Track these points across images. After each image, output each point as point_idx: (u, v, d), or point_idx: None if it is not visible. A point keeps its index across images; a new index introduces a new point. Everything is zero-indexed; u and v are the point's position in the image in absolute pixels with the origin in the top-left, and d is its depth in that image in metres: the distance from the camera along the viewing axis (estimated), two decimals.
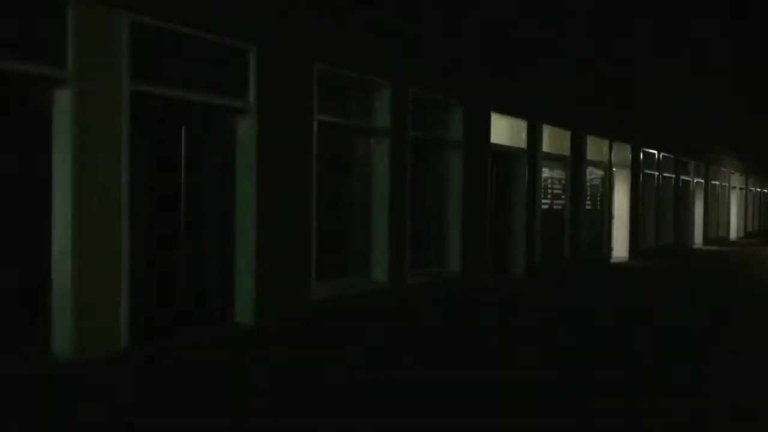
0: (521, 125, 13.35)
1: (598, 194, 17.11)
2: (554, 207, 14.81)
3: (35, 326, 6.09)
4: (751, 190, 35.31)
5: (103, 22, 6.31)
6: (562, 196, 15.15)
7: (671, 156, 21.90)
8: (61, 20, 6.06)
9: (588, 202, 16.38)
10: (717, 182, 28.04)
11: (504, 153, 13.01)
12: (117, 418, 4.92)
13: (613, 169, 17.93)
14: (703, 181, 25.58)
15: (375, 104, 9.79)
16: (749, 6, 24.20)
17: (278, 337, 7.58)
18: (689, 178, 24.07)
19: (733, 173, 30.41)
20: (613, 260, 17.79)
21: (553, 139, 14.52)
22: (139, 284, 6.75)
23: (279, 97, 8.05)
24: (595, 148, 16.63)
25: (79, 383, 5.72)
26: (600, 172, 17.15)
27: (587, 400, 5.58)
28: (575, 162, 15.46)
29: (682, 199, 23.27)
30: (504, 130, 12.82)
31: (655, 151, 20.62)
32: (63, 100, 6.11)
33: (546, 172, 14.36)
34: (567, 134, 15.12)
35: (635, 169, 19.02)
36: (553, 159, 14.57)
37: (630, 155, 18.70)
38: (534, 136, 13.65)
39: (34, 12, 5.99)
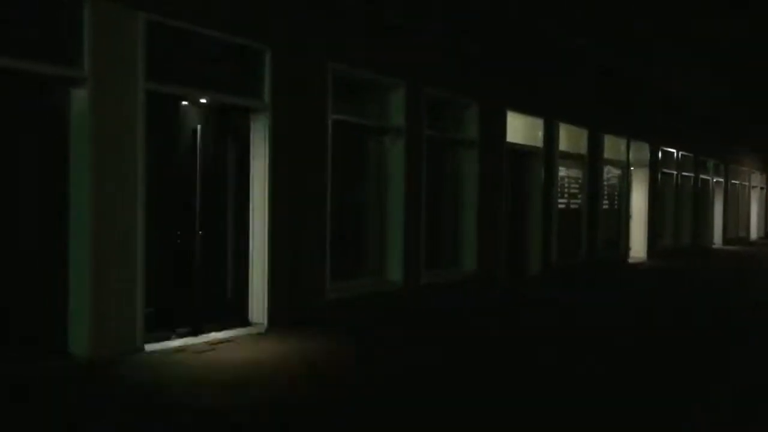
0: (537, 124, 13.28)
1: (616, 193, 16.98)
2: (571, 206, 14.72)
3: (52, 326, 6.14)
4: None
5: (119, 22, 6.35)
6: (579, 196, 15.04)
7: (690, 155, 21.68)
8: (77, 20, 6.10)
9: (605, 202, 16.26)
10: (737, 181, 27.72)
11: (520, 152, 12.93)
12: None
13: (631, 168, 17.79)
14: (722, 180, 25.31)
15: (390, 103, 9.77)
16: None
17: (292, 337, 7.59)
18: (708, 177, 23.82)
19: (753, 172, 30.05)
20: (630, 260, 17.65)
21: (569, 138, 14.42)
22: (154, 284, 6.79)
23: (294, 96, 8.06)
24: (613, 146, 16.50)
25: (96, 383, 5.76)
26: (617, 171, 17.02)
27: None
28: (592, 161, 15.35)
29: (701, 198, 23.04)
30: (520, 129, 12.75)
31: (674, 150, 20.43)
32: (79, 100, 6.16)
33: (562, 171, 14.27)
34: (584, 133, 15.01)
35: (653, 168, 18.86)
36: (569, 158, 14.48)
37: (648, 154, 18.54)
38: (550, 134, 13.56)
39: (50, 12, 6.04)
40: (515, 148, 12.62)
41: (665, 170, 19.87)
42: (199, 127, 7.42)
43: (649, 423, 5.11)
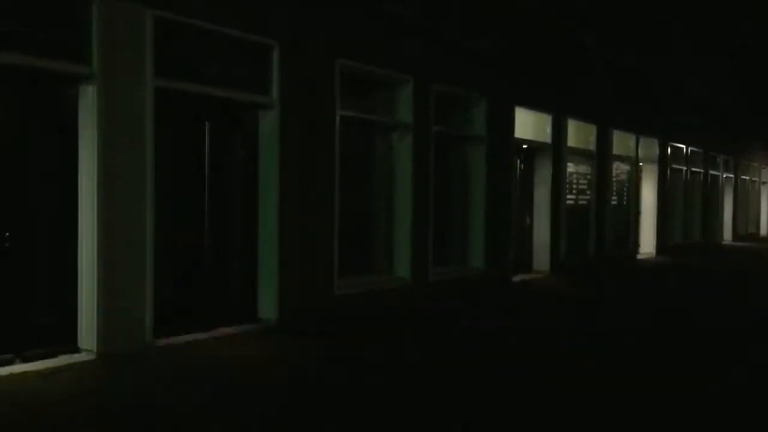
0: (546, 119, 13.23)
1: (625, 189, 16.91)
2: (579, 202, 14.67)
3: (62, 321, 6.17)
4: None
5: (128, 19, 6.36)
6: (588, 192, 14.99)
7: (700, 151, 21.57)
8: (85, 17, 6.11)
9: (614, 198, 16.20)
10: (747, 177, 27.58)
11: (528, 148, 12.90)
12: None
13: (640, 164, 17.71)
14: (732, 175, 25.17)
15: (397, 99, 9.75)
16: None
17: (301, 333, 7.60)
18: (718, 173, 23.70)
19: (763, 168, 29.87)
20: (640, 256, 17.57)
21: (578, 134, 14.37)
22: (163, 280, 6.80)
23: (302, 92, 8.06)
24: (622, 142, 16.43)
25: (110, 378, 5.79)
26: (626, 167, 16.95)
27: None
28: (601, 157, 15.29)
29: (711, 194, 22.92)
30: (528, 125, 12.71)
31: (684, 146, 20.32)
32: (88, 97, 6.17)
33: (571, 167, 14.22)
34: (593, 128, 14.95)
35: (663, 163, 18.77)
36: (578, 154, 14.43)
37: (657, 150, 18.45)
38: (559, 130, 13.52)
39: (59, 9, 6.05)
40: (524, 144, 12.58)
41: (675, 166, 19.77)
42: (207, 123, 7.43)
43: None
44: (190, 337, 6.99)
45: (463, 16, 10.69)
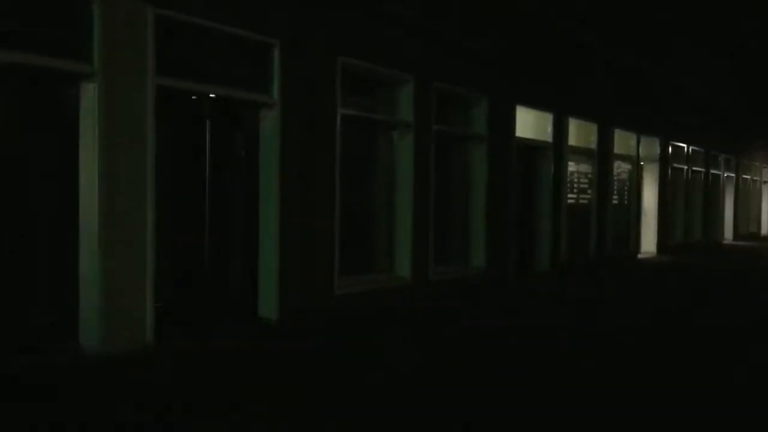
0: (547, 118, 13.22)
1: (626, 189, 16.89)
2: (580, 201, 14.66)
3: (63, 319, 6.17)
4: None
5: (128, 17, 6.35)
6: (589, 191, 14.98)
7: (701, 150, 21.55)
8: (86, 15, 6.11)
9: (615, 197, 16.19)
10: (748, 176, 27.56)
11: (529, 147, 12.88)
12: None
13: (641, 163, 17.69)
14: (733, 175, 25.15)
15: (398, 98, 9.75)
16: None
17: (302, 332, 7.60)
18: (719, 172, 23.68)
19: (764, 167, 29.85)
20: (641, 255, 17.56)
21: (579, 133, 14.36)
22: (164, 278, 6.80)
23: (303, 91, 8.06)
24: (623, 141, 16.42)
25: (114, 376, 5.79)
26: (627, 166, 16.94)
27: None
28: (602, 156, 15.27)
29: (712, 193, 22.91)
30: (529, 124, 12.71)
31: (684, 145, 20.31)
32: (89, 95, 6.15)
33: (572, 167, 14.21)
34: (594, 127, 14.95)
35: (664, 163, 18.76)
36: (579, 153, 14.42)
37: (658, 149, 18.44)
38: (560, 129, 13.50)
39: (60, 7, 6.04)
40: (525, 143, 12.58)
41: (676, 165, 19.76)
42: (208, 122, 7.42)
43: None
44: (189, 336, 6.96)
45: (463, 16, 10.68)
